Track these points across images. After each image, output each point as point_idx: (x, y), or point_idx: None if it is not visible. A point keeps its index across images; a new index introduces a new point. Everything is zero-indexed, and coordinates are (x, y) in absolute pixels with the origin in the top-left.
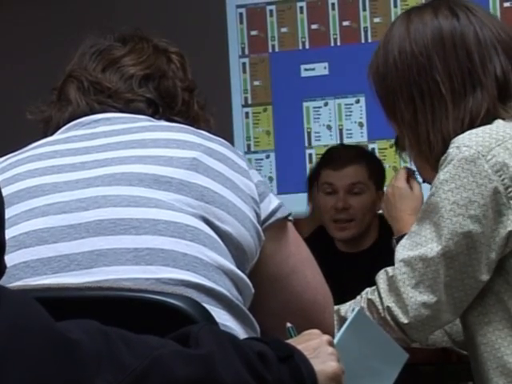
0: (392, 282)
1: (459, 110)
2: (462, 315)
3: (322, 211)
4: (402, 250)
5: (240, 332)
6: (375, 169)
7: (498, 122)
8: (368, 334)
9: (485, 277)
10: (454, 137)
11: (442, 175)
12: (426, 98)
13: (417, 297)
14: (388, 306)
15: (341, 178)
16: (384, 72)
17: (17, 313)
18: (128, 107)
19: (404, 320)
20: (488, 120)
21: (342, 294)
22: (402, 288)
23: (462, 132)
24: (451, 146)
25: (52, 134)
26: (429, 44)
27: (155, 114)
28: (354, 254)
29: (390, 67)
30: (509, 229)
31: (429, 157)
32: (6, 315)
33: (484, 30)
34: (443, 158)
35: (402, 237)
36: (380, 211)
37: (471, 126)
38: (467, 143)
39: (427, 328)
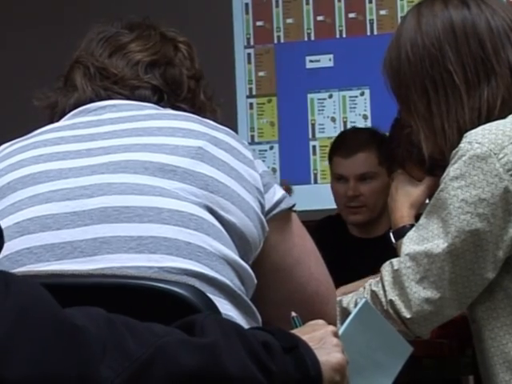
0: (396, 276)
1: (474, 100)
2: (469, 310)
3: (335, 197)
4: (409, 244)
5: (242, 322)
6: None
7: None
8: (373, 326)
9: (491, 274)
10: (471, 128)
11: (452, 171)
12: (439, 89)
13: (420, 292)
14: (391, 300)
15: (350, 167)
16: (397, 66)
17: (24, 299)
18: (133, 94)
19: (407, 314)
20: (504, 112)
21: (355, 279)
22: (406, 282)
23: (480, 123)
24: (463, 140)
25: (58, 120)
26: (440, 35)
27: (160, 101)
28: (367, 239)
29: (402, 61)
30: None
31: (444, 148)
32: (14, 301)
33: (496, 18)
34: (454, 151)
35: (397, 230)
36: None
37: (489, 117)
38: (480, 140)
39: (429, 323)
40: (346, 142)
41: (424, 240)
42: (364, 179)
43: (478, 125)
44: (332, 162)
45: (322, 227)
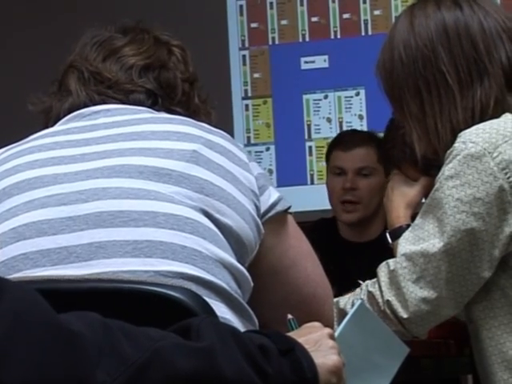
0: (393, 276)
1: (467, 100)
2: (466, 309)
3: (330, 192)
4: (405, 244)
5: (238, 325)
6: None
7: (507, 117)
8: (369, 328)
9: (487, 273)
10: (465, 127)
11: (446, 171)
12: (432, 89)
13: (417, 292)
14: (388, 300)
15: (350, 160)
16: (390, 67)
17: (18, 304)
18: (128, 98)
19: (403, 315)
20: (498, 111)
21: (347, 283)
22: (403, 283)
23: (474, 122)
24: (458, 140)
25: (53, 124)
26: (433, 36)
27: (155, 104)
28: (359, 243)
29: (395, 62)
30: None
31: (437, 148)
32: (8, 306)
33: (488, 19)
34: (449, 151)
35: (393, 231)
36: None
37: (483, 116)
38: (474, 139)
39: (426, 323)
40: (346, 139)
41: (420, 240)
42: (362, 174)
43: (472, 124)
44: (330, 157)
45: (316, 229)
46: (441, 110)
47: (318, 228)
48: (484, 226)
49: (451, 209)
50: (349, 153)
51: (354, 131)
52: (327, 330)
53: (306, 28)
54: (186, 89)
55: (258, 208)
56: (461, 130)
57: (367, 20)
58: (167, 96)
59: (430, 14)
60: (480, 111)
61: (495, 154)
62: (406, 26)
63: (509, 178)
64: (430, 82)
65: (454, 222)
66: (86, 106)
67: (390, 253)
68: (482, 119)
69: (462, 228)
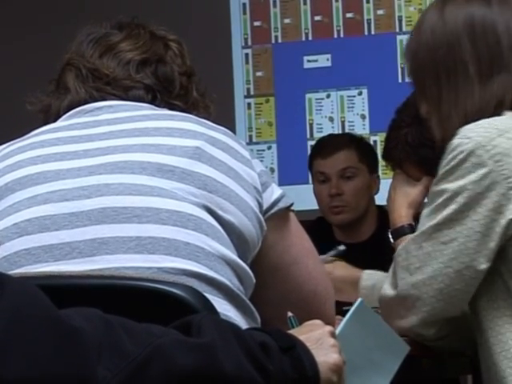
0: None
1: (485, 92)
2: (471, 302)
3: (317, 200)
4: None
5: (241, 322)
6: (366, 152)
7: (510, 113)
8: (370, 326)
9: (484, 266)
10: (477, 119)
11: (442, 166)
12: (451, 77)
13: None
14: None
15: (331, 165)
16: (416, 49)
17: (19, 299)
18: (127, 95)
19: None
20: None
21: None
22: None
23: (487, 115)
24: (455, 136)
25: (53, 122)
26: (460, 26)
27: (154, 99)
28: (352, 244)
29: (421, 45)
30: (509, 217)
31: (447, 136)
32: (8, 301)
33: None
34: (447, 146)
35: (395, 230)
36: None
37: (495, 110)
38: (469, 134)
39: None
40: (325, 145)
41: (418, 230)
42: (346, 177)
43: (487, 117)
44: (312, 165)
45: (312, 229)
46: (456, 99)
47: (314, 228)
48: (478, 217)
49: (445, 201)
50: (329, 158)
51: (332, 135)
52: (328, 328)
53: (309, 27)
54: (183, 82)
55: (260, 205)
56: (474, 121)
57: (370, 19)
58: (165, 90)
59: (460, 5)
60: (495, 105)
61: (489, 147)
62: (436, 13)
63: (503, 170)
64: (451, 69)
65: (447, 213)
66: (85, 102)
67: (383, 253)
68: (495, 113)
69: (455, 219)
